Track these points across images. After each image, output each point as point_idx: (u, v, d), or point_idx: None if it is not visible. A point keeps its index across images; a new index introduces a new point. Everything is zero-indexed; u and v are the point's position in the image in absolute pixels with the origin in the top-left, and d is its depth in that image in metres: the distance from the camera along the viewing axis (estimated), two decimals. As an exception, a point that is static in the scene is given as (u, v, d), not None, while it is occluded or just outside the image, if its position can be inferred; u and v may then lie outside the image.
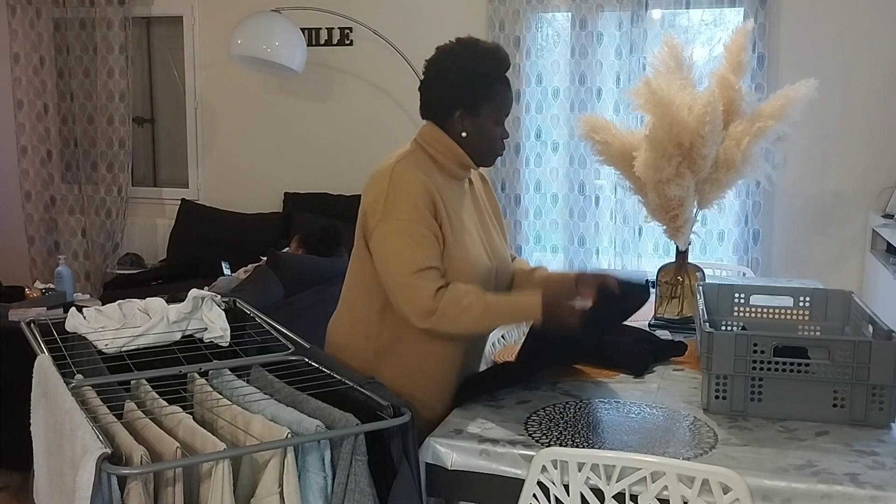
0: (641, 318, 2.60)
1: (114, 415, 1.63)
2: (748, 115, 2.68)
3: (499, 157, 2.18)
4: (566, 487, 1.63)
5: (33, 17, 5.51)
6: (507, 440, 1.78)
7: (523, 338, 2.19)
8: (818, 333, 2.36)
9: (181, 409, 1.68)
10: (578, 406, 1.99)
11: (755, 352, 1.91)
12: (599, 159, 2.82)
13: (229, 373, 1.90)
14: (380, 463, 1.66)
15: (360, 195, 2.03)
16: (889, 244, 3.75)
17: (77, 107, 5.56)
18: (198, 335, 2.02)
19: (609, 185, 4.58)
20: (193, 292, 2.04)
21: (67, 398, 1.59)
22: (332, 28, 5.09)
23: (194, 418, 1.66)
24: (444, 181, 2.03)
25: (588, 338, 2.07)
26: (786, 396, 1.91)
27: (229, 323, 2.05)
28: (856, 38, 4.20)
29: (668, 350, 2.39)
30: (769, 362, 1.91)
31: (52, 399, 1.67)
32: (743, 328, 2.38)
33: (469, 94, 2.02)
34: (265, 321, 2.13)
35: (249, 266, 4.22)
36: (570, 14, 4.54)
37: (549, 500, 1.64)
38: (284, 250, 4.22)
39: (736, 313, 2.46)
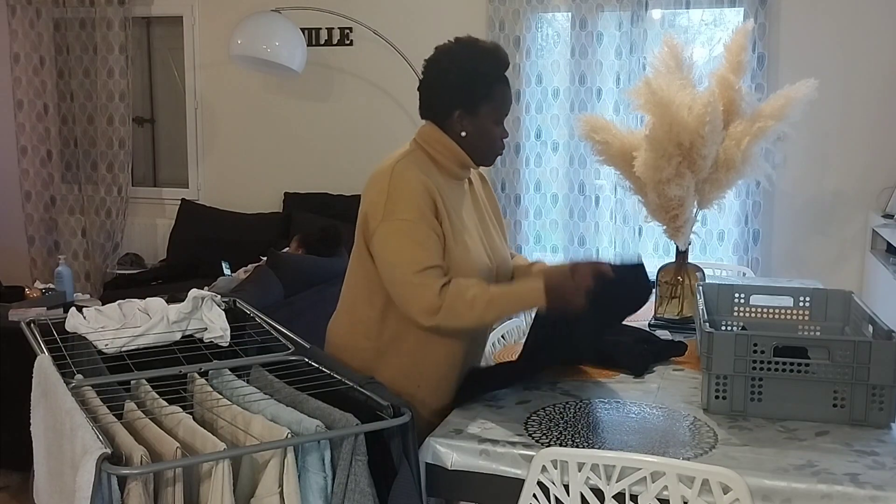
0: (641, 318, 2.61)
1: (114, 415, 1.63)
2: (748, 115, 2.68)
3: (499, 157, 2.18)
4: (566, 487, 1.63)
5: (33, 17, 5.51)
6: (507, 440, 1.78)
7: (524, 338, 2.19)
8: (818, 333, 2.36)
9: (181, 410, 1.67)
10: (578, 406, 1.99)
11: (755, 352, 1.91)
12: (599, 159, 2.82)
13: (229, 373, 1.90)
14: (380, 463, 1.66)
15: (360, 195, 2.03)
16: (889, 244, 3.74)
17: (77, 107, 5.55)
18: (198, 335, 2.02)
19: (609, 185, 4.58)
20: (193, 292, 2.04)
21: (67, 398, 1.59)
22: (332, 28, 5.09)
23: (194, 418, 1.66)
24: (443, 181, 2.03)
25: (592, 324, 2.05)
26: (786, 396, 1.91)
27: (229, 323, 2.05)
28: (856, 38, 4.20)
29: (668, 350, 2.39)
30: (769, 362, 1.91)
31: (52, 399, 1.67)
32: (743, 328, 2.38)
33: (468, 93, 2.02)
34: (265, 321, 2.12)
35: (249, 266, 4.22)
36: (570, 14, 4.54)
37: (549, 500, 1.64)
38: (284, 250, 4.22)
39: (736, 313, 2.46)
